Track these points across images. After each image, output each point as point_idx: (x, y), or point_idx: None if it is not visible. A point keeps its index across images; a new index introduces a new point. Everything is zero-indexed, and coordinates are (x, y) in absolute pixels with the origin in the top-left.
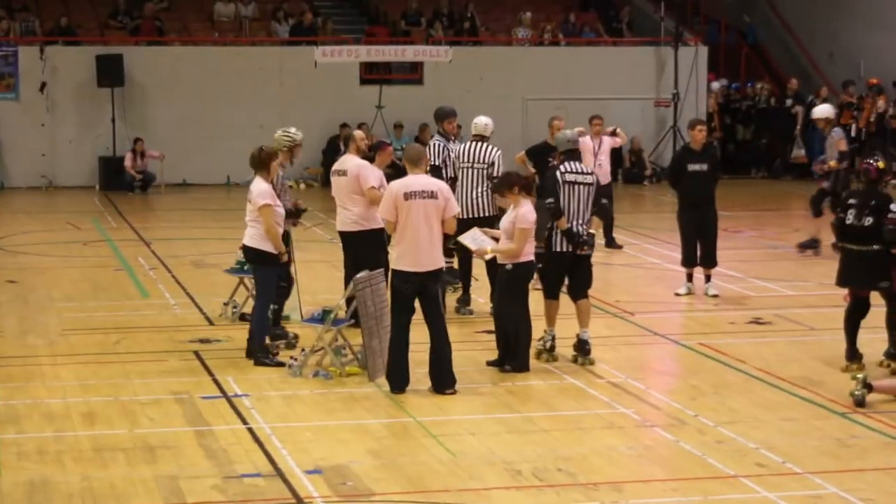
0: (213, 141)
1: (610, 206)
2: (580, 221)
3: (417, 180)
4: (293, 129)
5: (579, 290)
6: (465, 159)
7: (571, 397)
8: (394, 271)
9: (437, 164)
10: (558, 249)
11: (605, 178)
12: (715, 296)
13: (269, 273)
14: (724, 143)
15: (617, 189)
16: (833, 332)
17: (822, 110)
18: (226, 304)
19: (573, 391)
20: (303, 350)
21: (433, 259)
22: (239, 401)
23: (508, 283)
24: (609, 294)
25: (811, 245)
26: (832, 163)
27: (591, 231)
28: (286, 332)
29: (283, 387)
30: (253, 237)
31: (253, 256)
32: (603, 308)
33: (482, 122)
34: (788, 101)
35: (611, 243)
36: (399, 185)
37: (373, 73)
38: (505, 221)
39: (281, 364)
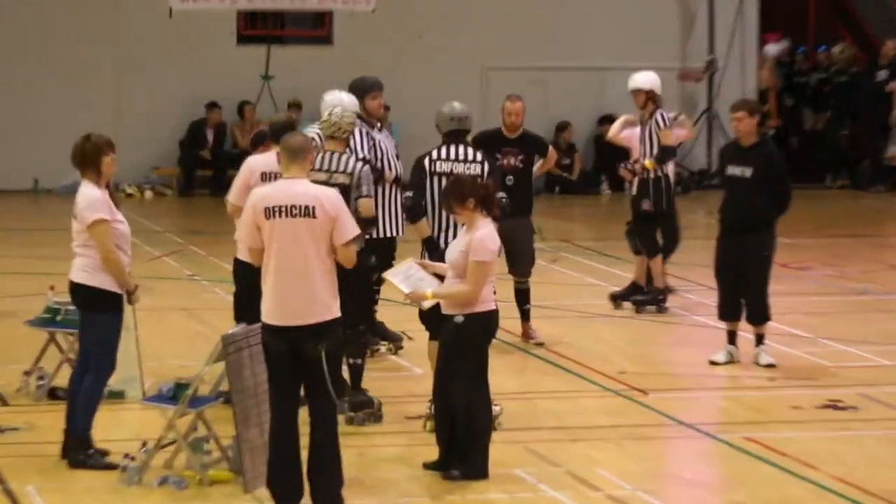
0: (12, 129)
1: (675, 229)
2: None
3: (288, 188)
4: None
5: None
6: None
7: None
8: (261, 324)
9: (361, 157)
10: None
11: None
12: (770, 366)
13: (108, 324)
14: (784, 134)
15: (623, 202)
16: None
17: (643, 79)
18: (28, 374)
19: None
20: (143, 445)
21: (311, 308)
22: None
23: (458, 345)
24: (610, 361)
25: (634, 295)
26: (647, 162)
27: None
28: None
29: (113, 500)
30: (84, 269)
31: (85, 298)
32: (600, 383)
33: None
34: (881, 74)
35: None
36: (260, 195)
37: (257, 28)
38: (453, 251)
39: (112, 466)
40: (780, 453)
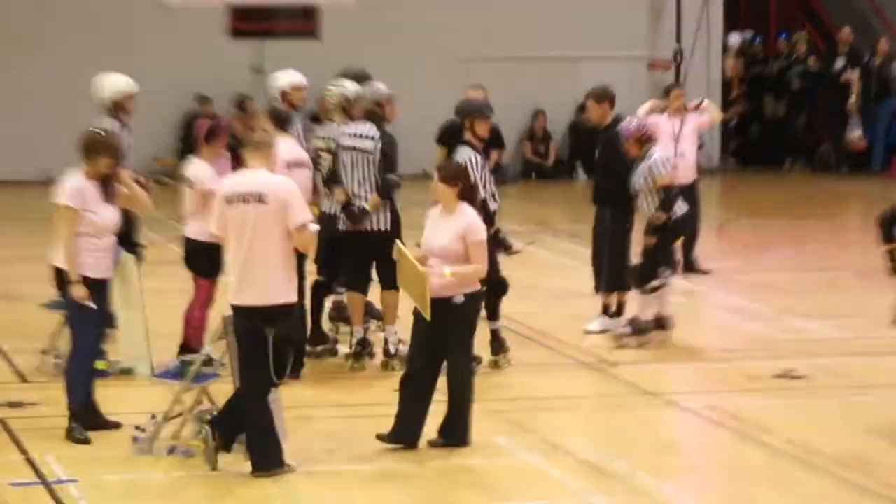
0: (24, 121)
1: (696, 215)
2: (359, 195)
3: (246, 178)
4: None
5: (384, 280)
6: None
7: (527, 483)
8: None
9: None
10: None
11: (690, 173)
12: (602, 331)
13: (84, 306)
14: (747, 121)
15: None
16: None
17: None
18: (45, 353)
19: (529, 474)
20: (152, 417)
21: (263, 291)
22: (63, 489)
23: (459, 324)
24: (582, 336)
25: None
26: None
27: (363, 205)
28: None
29: (126, 468)
30: (57, 252)
31: (60, 280)
32: (572, 356)
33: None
34: (839, 62)
35: (692, 265)
36: (226, 184)
37: (249, 22)
38: (442, 238)
39: (86, 441)
40: (738, 419)
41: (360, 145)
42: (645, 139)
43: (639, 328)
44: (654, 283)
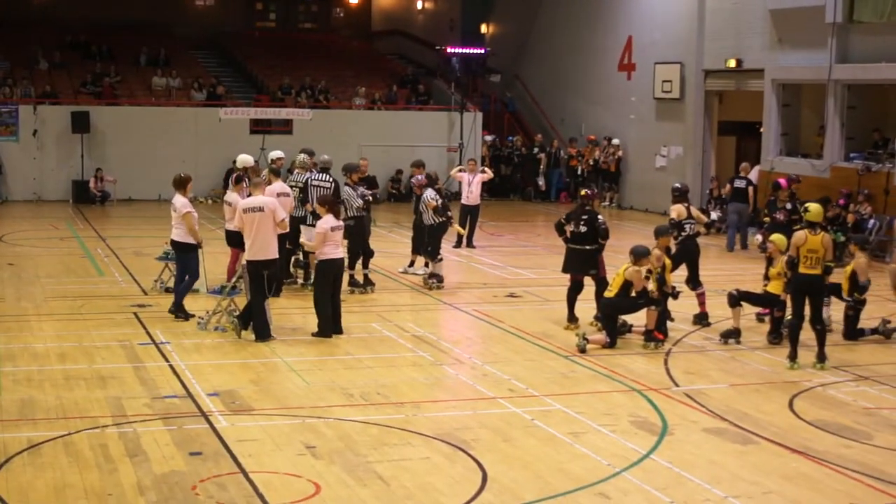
0: (149, 170)
1: (476, 218)
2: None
3: (255, 199)
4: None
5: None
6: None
7: (387, 345)
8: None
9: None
10: (311, 222)
11: (476, 200)
12: (432, 275)
13: (190, 257)
14: (495, 176)
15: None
16: (561, 302)
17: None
18: (155, 281)
19: (388, 341)
20: (207, 311)
21: (263, 252)
22: (164, 346)
23: (323, 273)
24: (414, 276)
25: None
26: None
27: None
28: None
29: (193, 337)
30: (179, 234)
31: (178, 247)
32: (407, 285)
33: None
34: (535, 150)
35: (470, 244)
36: (244, 202)
37: (258, 126)
38: (315, 229)
39: (188, 317)
40: (488, 316)
41: (321, 185)
42: (422, 187)
43: (435, 276)
44: (439, 256)
